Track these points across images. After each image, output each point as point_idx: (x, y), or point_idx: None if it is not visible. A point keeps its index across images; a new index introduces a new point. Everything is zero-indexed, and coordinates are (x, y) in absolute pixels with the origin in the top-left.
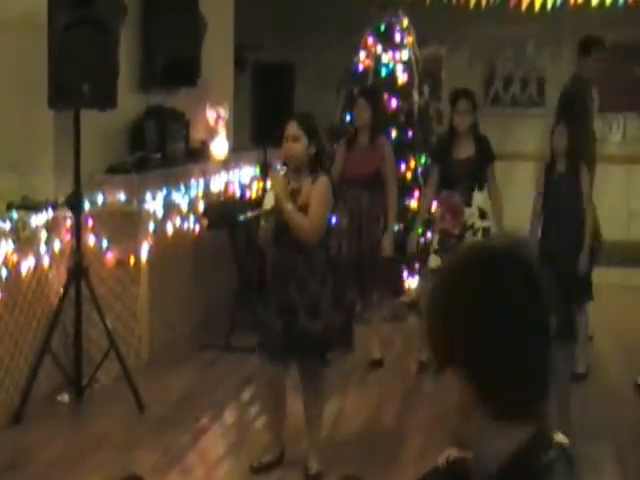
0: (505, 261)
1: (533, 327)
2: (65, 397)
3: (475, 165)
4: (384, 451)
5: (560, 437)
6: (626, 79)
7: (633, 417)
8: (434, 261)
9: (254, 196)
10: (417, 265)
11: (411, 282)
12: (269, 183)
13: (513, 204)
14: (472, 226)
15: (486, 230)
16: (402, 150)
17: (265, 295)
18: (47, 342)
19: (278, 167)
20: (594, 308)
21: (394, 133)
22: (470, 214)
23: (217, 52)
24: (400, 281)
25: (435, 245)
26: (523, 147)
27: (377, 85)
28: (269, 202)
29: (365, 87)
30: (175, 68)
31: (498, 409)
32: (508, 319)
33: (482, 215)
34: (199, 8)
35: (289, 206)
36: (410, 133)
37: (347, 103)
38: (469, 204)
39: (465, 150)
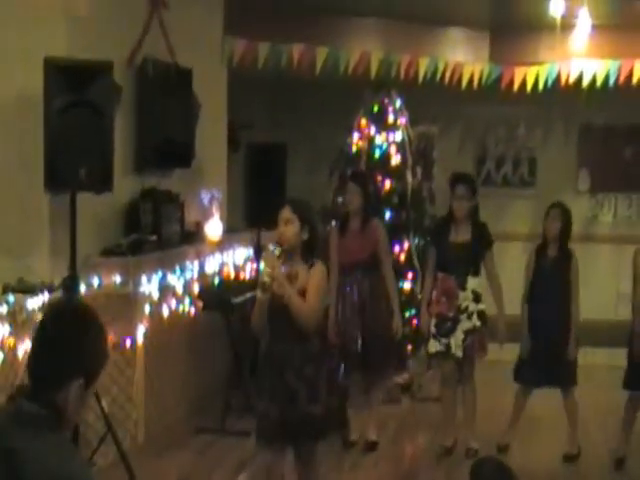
0: None
1: None
2: None
3: (471, 250)
4: None
5: None
6: (617, 160)
7: None
8: (432, 346)
9: (248, 278)
10: (409, 347)
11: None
12: (263, 262)
13: (504, 285)
14: (466, 309)
15: (481, 313)
16: (396, 231)
17: (259, 382)
18: None
19: (272, 247)
20: (581, 389)
21: (388, 214)
22: (464, 297)
23: (211, 133)
24: (405, 361)
25: (432, 329)
26: (515, 227)
27: (369, 168)
28: (262, 275)
29: (355, 171)
30: (169, 150)
31: None
32: None
33: (476, 298)
34: (193, 89)
35: (290, 289)
36: (404, 214)
37: (340, 185)
38: (463, 288)
39: (462, 234)
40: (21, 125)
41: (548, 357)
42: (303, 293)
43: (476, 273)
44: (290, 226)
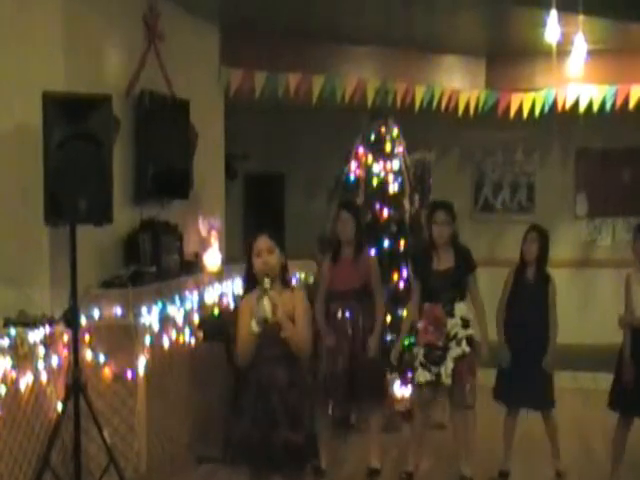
0: None
1: None
2: None
3: (455, 277)
4: None
5: None
6: (615, 184)
7: None
8: (422, 376)
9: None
10: (410, 375)
11: (405, 391)
12: (264, 298)
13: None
14: (455, 336)
15: (469, 338)
16: (395, 260)
17: (239, 406)
18: (46, 458)
19: (267, 281)
20: (585, 414)
21: (386, 242)
22: (453, 324)
23: (208, 163)
24: (385, 389)
25: (421, 358)
26: (513, 253)
27: (367, 196)
28: (264, 310)
29: (347, 200)
30: (168, 180)
31: None
32: None
33: (465, 324)
34: (190, 119)
35: (289, 323)
36: (402, 242)
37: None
38: (452, 315)
39: (445, 262)
40: (21, 158)
41: (525, 380)
42: (292, 319)
43: (462, 298)
44: (273, 255)
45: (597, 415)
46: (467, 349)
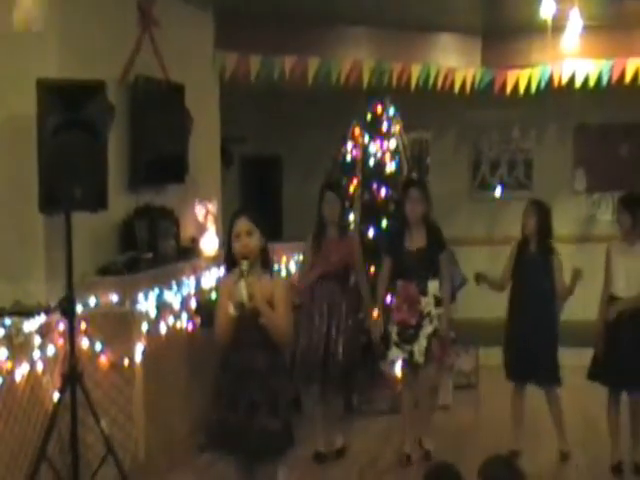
0: None
1: None
2: None
3: (427, 256)
4: None
5: None
6: (613, 159)
7: None
8: (395, 353)
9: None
10: None
11: None
12: (241, 282)
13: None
14: (429, 314)
15: (441, 316)
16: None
17: (217, 391)
18: (43, 449)
19: (245, 264)
20: (580, 389)
21: (384, 222)
22: (426, 303)
23: (204, 147)
24: (378, 370)
25: (394, 337)
26: (511, 230)
27: (364, 176)
28: (240, 294)
29: (331, 181)
30: (163, 165)
31: None
32: None
33: (437, 303)
34: (185, 104)
35: (268, 308)
36: (400, 222)
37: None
38: (425, 293)
39: (417, 241)
40: (15, 147)
41: (529, 355)
42: (270, 304)
43: (435, 276)
44: (252, 237)
45: (602, 392)
46: (439, 326)
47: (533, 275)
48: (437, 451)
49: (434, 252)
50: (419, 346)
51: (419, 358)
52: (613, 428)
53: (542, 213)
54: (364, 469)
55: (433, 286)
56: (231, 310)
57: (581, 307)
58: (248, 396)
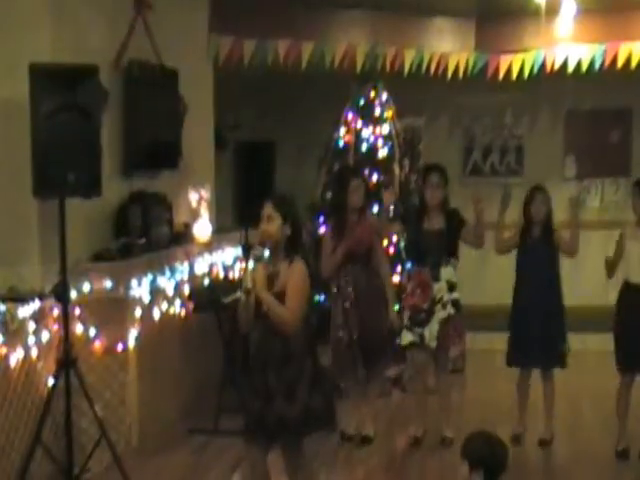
0: None
1: None
2: None
3: (446, 237)
4: None
5: None
6: (603, 145)
7: None
8: (405, 337)
9: (238, 277)
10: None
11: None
12: (251, 263)
13: (490, 272)
14: (441, 299)
15: (455, 302)
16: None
17: (247, 378)
18: (38, 433)
19: (259, 248)
20: (572, 374)
21: (376, 207)
22: (439, 288)
23: (197, 133)
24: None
25: (406, 321)
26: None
27: (356, 161)
28: (246, 279)
29: (349, 166)
30: (156, 151)
31: None
32: None
33: (451, 288)
34: (179, 89)
35: (268, 297)
36: (392, 207)
37: (331, 179)
38: (437, 279)
39: (436, 222)
40: (7, 131)
41: (535, 339)
42: (284, 292)
43: (449, 263)
44: (272, 223)
45: (587, 378)
46: (452, 311)
47: (538, 261)
48: (436, 434)
49: (452, 235)
50: (430, 330)
51: (431, 342)
52: (621, 413)
53: (549, 203)
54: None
55: (446, 272)
56: (239, 295)
57: (568, 293)
58: (266, 385)
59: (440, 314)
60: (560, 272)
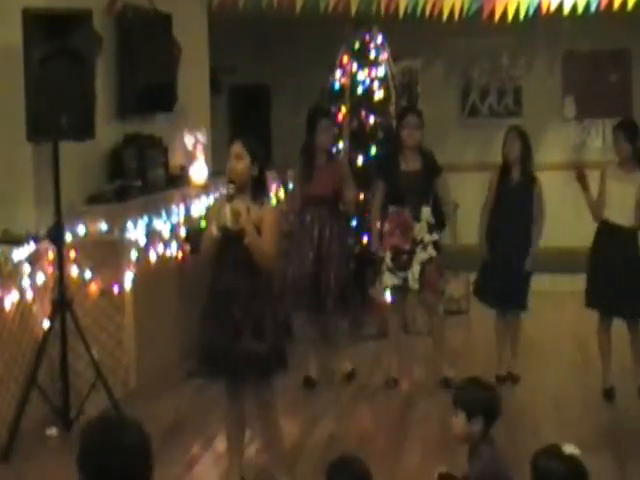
0: None
1: None
2: (54, 431)
3: (423, 179)
4: (378, 471)
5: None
6: (603, 85)
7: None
8: (389, 280)
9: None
10: None
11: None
12: (227, 206)
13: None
14: (422, 240)
15: (435, 243)
16: (382, 165)
17: (204, 315)
18: (33, 376)
19: (228, 187)
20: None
21: (373, 149)
22: (420, 229)
23: (193, 77)
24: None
25: (388, 262)
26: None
27: (352, 104)
28: (224, 216)
29: (322, 107)
30: (151, 94)
31: None
32: None
33: (430, 229)
34: (173, 33)
35: (253, 229)
36: (389, 148)
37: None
38: (418, 219)
39: (412, 164)
40: (1, 77)
41: (505, 281)
42: (258, 231)
43: (428, 202)
44: (241, 161)
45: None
46: (433, 253)
47: (516, 203)
48: (435, 375)
49: (430, 176)
50: (413, 273)
51: (414, 284)
52: (605, 353)
53: (524, 137)
54: (353, 393)
55: (426, 212)
56: (214, 231)
57: (571, 234)
58: (232, 320)
59: (421, 255)
60: (538, 218)
